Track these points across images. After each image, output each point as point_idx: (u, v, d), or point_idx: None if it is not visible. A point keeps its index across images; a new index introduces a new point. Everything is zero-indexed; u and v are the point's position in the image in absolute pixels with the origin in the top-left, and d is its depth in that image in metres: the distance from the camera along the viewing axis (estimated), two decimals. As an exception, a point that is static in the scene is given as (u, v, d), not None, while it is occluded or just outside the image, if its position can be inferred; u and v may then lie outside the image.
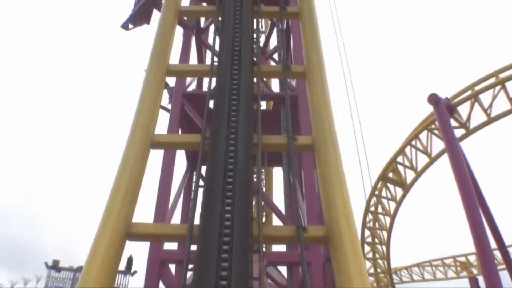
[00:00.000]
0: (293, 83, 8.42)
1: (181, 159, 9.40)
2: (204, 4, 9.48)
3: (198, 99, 7.60)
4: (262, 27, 8.92)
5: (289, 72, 5.89)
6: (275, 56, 10.59)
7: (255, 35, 6.51)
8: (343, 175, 4.97)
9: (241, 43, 5.79)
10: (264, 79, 10.20)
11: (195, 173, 8.56)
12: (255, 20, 6.63)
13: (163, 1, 7.07)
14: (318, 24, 6.32)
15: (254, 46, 6.26)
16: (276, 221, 9.68)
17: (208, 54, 9.25)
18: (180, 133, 8.53)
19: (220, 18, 6.65)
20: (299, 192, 7.06)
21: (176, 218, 7.34)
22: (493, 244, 13.38)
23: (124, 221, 4.84)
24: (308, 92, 5.77)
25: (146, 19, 9.66)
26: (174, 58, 9.15)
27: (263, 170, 11.61)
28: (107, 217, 4.80)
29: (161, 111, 10.11)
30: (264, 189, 12.62)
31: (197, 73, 6.61)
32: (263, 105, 10.31)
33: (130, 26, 9.78)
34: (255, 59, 5.99)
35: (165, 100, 10.19)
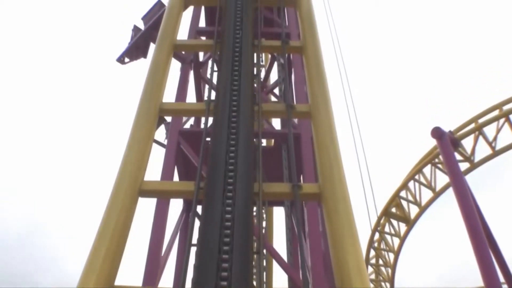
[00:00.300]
0: (295, 119, 7.83)
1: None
2: (203, 38, 8.92)
3: (196, 137, 6.94)
4: (262, 61, 8.36)
5: (293, 111, 5.26)
6: (275, 90, 10.05)
7: (255, 71, 5.95)
8: (355, 230, 4.28)
9: (240, 80, 5.19)
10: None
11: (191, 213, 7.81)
12: (255, 55, 6.05)
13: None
14: (323, 60, 5.74)
15: (255, 82, 5.70)
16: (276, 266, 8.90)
17: (207, 89, 8.65)
18: (176, 170, 7.89)
19: (218, 53, 6.07)
20: (303, 239, 6.34)
21: (169, 270, 6.58)
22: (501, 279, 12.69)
23: (106, 283, 4.11)
24: (314, 135, 5.14)
25: (143, 53, 9.10)
26: (171, 93, 8.61)
27: (264, 212, 10.89)
28: (85, 278, 4.08)
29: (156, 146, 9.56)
30: (264, 226, 11.86)
31: (193, 112, 5.98)
32: (263, 141, 9.66)
33: (126, 59, 9.21)
34: (254, 93, 5.41)
35: (162, 135, 9.61)
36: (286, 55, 6.84)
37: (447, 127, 13.96)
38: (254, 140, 5.12)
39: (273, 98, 9.90)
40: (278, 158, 7.92)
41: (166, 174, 7.49)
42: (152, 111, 5.26)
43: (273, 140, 8.65)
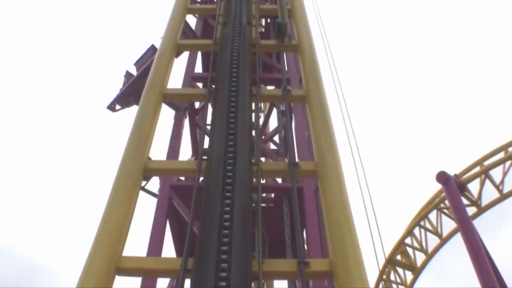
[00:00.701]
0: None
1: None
2: (200, 83, 8.22)
3: (189, 192, 6.10)
4: (261, 107, 7.63)
5: (297, 171, 4.45)
6: (272, 133, 9.30)
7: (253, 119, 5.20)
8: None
9: (237, 135, 4.40)
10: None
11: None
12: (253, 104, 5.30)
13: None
14: (329, 110, 4.97)
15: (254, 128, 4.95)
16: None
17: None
18: (168, 224, 7.07)
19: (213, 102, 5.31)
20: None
21: None
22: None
23: None
24: (322, 198, 4.31)
25: (135, 100, 8.36)
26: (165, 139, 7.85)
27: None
28: None
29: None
30: None
31: (182, 171, 5.12)
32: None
33: (118, 107, 8.49)
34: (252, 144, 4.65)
35: (156, 184, 8.81)
36: (287, 103, 6.08)
37: (447, 167, 13.27)
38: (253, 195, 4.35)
39: (272, 146, 9.17)
40: (278, 211, 7.10)
41: (157, 230, 6.69)
42: (135, 172, 4.43)
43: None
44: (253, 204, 4.21)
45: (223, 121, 4.48)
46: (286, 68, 8.13)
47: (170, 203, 6.89)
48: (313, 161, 4.59)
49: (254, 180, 4.31)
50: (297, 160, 7.32)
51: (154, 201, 7.79)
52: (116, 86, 8.79)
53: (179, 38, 6.45)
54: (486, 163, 13.30)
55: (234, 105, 4.68)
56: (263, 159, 8.62)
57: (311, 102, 4.91)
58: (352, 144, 9.59)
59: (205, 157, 4.37)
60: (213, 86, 5.29)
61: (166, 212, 6.84)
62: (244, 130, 4.36)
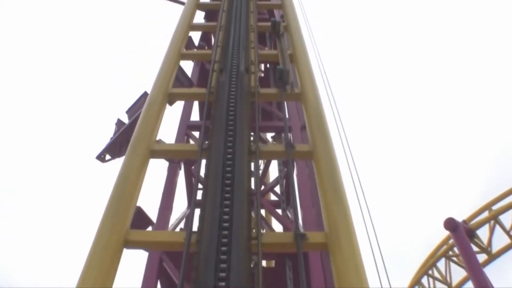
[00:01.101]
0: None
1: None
2: (197, 134, 7.52)
3: (181, 256, 5.31)
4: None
5: (305, 243, 3.69)
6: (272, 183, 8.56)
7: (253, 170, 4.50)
8: None
9: (233, 201, 3.67)
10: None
11: None
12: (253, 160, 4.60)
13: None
14: (339, 168, 4.26)
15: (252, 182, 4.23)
16: None
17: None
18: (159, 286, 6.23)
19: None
20: None
21: None
22: None
23: None
24: (335, 275, 3.55)
25: (126, 149, 7.65)
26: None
27: None
28: None
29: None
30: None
31: (167, 245, 4.30)
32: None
33: (107, 157, 7.78)
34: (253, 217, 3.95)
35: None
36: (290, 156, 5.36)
37: (451, 209, 12.45)
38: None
39: (272, 196, 8.40)
40: (281, 274, 6.28)
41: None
42: (112, 245, 3.67)
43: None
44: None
45: (217, 187, 3.76)
46: (287, 115, 7.50)
47: (160, 265, 6.07)
48: (323, 232, 3.83)
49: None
50: (299, 210, 6.62)
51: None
52: (107, 135, 8.13)
53: (172, 86, 5.82)
54: (495, 207, 12.52)
55: (230, 166, 3.97)
56: (263, 211, 7.88)
57: (318, 159, 4.20)
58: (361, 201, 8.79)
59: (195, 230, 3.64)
60: (209, 139, 4.63)
61: (156, 276, 6.03)
62: (241, 198, 3.63)
